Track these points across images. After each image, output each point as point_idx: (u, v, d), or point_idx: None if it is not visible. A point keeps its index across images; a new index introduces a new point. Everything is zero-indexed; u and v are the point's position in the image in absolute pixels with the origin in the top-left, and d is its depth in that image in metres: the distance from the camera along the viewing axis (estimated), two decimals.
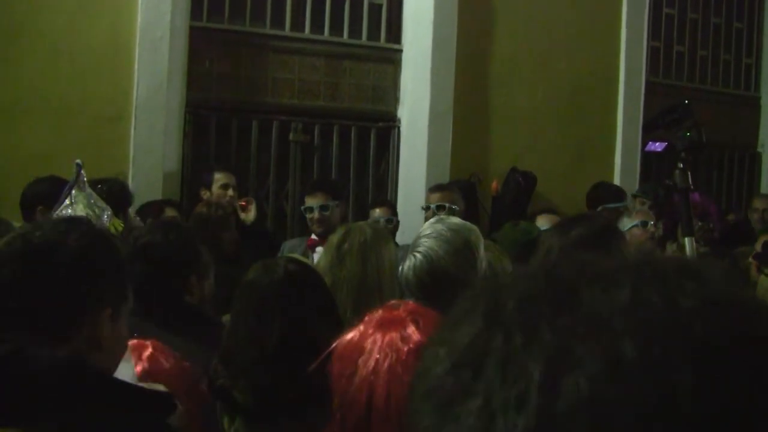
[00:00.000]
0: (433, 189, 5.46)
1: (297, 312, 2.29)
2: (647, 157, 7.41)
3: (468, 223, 2.77)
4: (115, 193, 4.18)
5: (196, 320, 2.78)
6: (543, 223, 5.25)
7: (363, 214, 6.12)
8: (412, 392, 0.62)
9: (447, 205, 5.10)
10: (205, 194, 5.14)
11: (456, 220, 2.77)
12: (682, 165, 3.15)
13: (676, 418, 0.52)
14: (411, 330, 1.72)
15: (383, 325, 1.75)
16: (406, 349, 1.70)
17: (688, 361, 0.54)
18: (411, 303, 1.81)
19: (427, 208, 5.20)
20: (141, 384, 1.90)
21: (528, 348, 0.56)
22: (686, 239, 3.08)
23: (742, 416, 0.53)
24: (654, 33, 7.67)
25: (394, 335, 1.73)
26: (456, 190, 5.41)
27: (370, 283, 2.79)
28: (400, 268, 2.69)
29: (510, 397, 0.55)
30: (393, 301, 1.85)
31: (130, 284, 1.83)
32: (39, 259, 1.70)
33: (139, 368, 2.07)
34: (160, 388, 1.97)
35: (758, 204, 7.08)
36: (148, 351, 2.13)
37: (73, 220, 1.81)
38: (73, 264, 1.69)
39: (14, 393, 1.53)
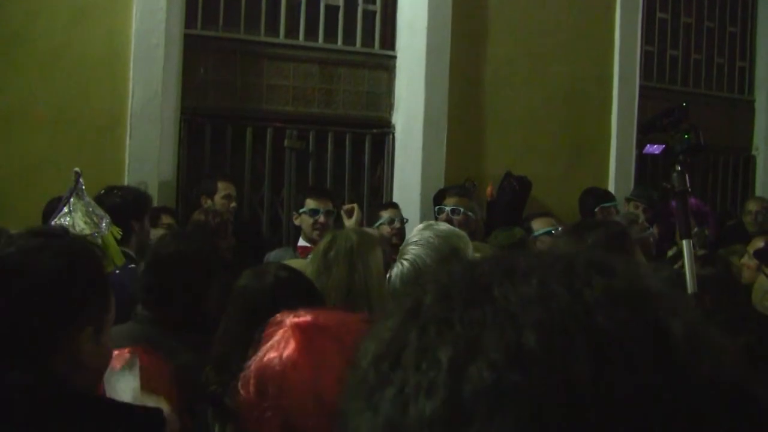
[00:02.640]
0: (450, 192, 5.47)
1: None
2: (642, 160, 7.42)
3: (456, 230, 2.77)
4: (129, 200, 4.17)
5: (206, 329, 2.79)
6: (539, 226, 5.27)
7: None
8: (344, 387, 0.64)
9: (462, 209, 5.10)
10: (206, 202, 5.12)
11: (444, 226, 2.76)
12: (680, 167, 3.14)
13: (574, 406, 0.54)
14: (290, 349, 1.73)
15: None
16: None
17: (586, 351, 0.56)
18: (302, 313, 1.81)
19: (440, 211, 5.19)
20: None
21: (440, 339, 0.59)
22: (684, 242, 3.07)
23: (638, 404, 0.54)
24: (648, 37, 7.70)
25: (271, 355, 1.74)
26: (473, 197, 5.43)
27: (357, 290, 2.76)
28: (387, 275, 2.69)
29: (422, 384, 0.57)
30: (277, 316, 1.84)
31: (112, 294, 1.76)
32: (8, 280, 1.61)
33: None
34: (158, 401, 1.95)
35: (752, 206, 7.11)
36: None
37: (49, 235, 1.71)
38: (47, 286, 1.61)
39: None
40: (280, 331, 1.73)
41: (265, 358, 1.71)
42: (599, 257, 0.65)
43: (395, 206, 5.59)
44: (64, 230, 1.87)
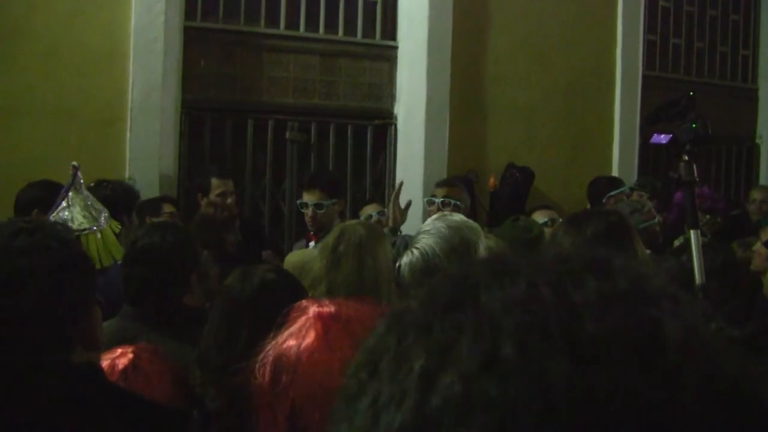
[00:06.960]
0: (439, 183, 5.46)
1: (268, 321, 2.20)
2: (645, 150, 7.39)
3: (470, 221, 2.74)
4: (119, 193, 4.15)
5: (194, 322, 2.76)
6: (540, 218, 5.24)
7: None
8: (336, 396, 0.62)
9: (452, 201, 5.09)
10: (202, 200, 5.02)
11: (458, 217, 2.74)
12: (687, 157, 3.11)
13: (548, 415, 0.50)
14: (310, 339, 1.69)
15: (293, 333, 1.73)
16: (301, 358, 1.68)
17: (567, 358, 0.52)
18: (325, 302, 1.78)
19: (431, 203, 5.18)
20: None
21: (416, 345, 0.55)
22: (691, 232, 3.04)
23: (620, 411, 0.50)
24: (650, 26, 7.65)
25: (291, 343, 1.71)
26: (462, 187, 5.40)
27: (367, 286, 2.75)
28: (397, 264, 2.67)
29: (394, 394, 0.54)
30: (303, 302, 1.81)
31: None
32: (24, 278, 1.64)
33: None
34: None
35: (756, 195, 7.08)
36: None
37: (41, 229, 1.74)
38: (60, 279, 1.65)
39: (31, 403, 1.52)
40: (303, 318, 1.71)
41: (284, 345, 1.69)
42: (600, 255, 0.60)
43: (376, 201, 5.62)
44: (38, 221, 1.93)
